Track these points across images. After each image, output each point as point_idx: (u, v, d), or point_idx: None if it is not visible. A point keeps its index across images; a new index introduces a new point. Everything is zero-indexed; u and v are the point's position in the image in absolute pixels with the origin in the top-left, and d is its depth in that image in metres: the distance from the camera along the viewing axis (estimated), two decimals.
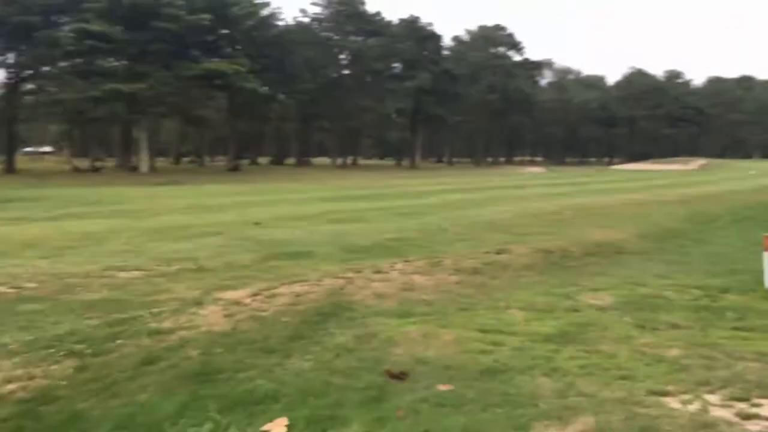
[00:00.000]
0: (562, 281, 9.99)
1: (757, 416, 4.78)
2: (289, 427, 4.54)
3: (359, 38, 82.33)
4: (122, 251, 11.67)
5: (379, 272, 9.75)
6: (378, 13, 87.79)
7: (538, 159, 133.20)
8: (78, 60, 54.28)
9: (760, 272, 9.76)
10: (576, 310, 8.03)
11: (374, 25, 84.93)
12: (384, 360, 5.96)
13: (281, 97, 66.35)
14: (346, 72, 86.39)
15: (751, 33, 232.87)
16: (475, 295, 8.93)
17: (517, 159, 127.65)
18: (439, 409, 4.92)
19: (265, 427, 4.55)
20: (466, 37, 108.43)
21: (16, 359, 5.60)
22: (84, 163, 62.95)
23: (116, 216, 18.41)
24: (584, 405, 4.97)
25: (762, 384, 5.40)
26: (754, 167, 76.84)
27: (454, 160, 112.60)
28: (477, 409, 4.94)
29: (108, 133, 73.60)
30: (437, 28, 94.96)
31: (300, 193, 32.15)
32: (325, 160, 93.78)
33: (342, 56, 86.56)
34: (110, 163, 65.92)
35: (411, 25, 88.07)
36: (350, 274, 9.46)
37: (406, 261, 10.74)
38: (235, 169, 65.23)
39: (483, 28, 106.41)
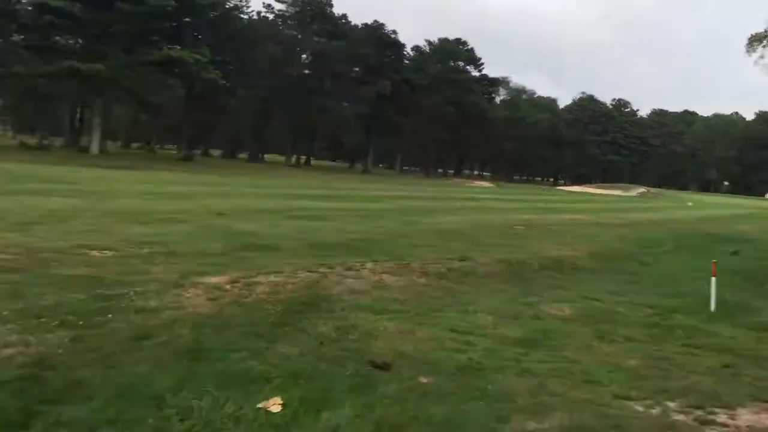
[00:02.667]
0: (524, 291, 10.44)
1: (714, 422, 5.24)
2: (284, 405, 4.77)
3: (323, 39, 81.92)
4: (89, 230, 11.63)
5: (350, 269, 10.02)
6: (344, 16, 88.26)
7: (486, 174, 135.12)
8: (34, 35, 52.77)
9: (704, 296, 10.42)
10: (539, 318, 8.48)
11: (339, 28, 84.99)
12: (366, 351, 6.24)
13: (240, 90, 65.64)
14: (307, 72, 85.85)
15: (695, 69, 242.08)
16: (444, 297, 9.29)
17: (465, 172, 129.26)
18: (423, 398, 5.23)
19: (260, 405, 4.76)
20: (426, 49, 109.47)
21: (10, 326, 5.68)
22: (31, 139, 61.02)
23: (74, 195, 18.19)
24: (556, 403, 5.35)
25: (715, 395, 5.89)
26: (691, 199, 79.93)
27: (404, 168, 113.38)
28: (458, 401, 5.26)
29: (57, 111, 71.36)
30: (400, 37, 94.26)
31: (257, 187, 32.17)
32: (276, 157, 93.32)
33: (304, 56, 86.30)
34: (56, 141, 63.99)
35: (375, 31, 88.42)
36: (323, 270, 9.70)
37: (375, 261, 11.03)
38: (186, 158, 64.32)
39: (443, 41, 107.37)
